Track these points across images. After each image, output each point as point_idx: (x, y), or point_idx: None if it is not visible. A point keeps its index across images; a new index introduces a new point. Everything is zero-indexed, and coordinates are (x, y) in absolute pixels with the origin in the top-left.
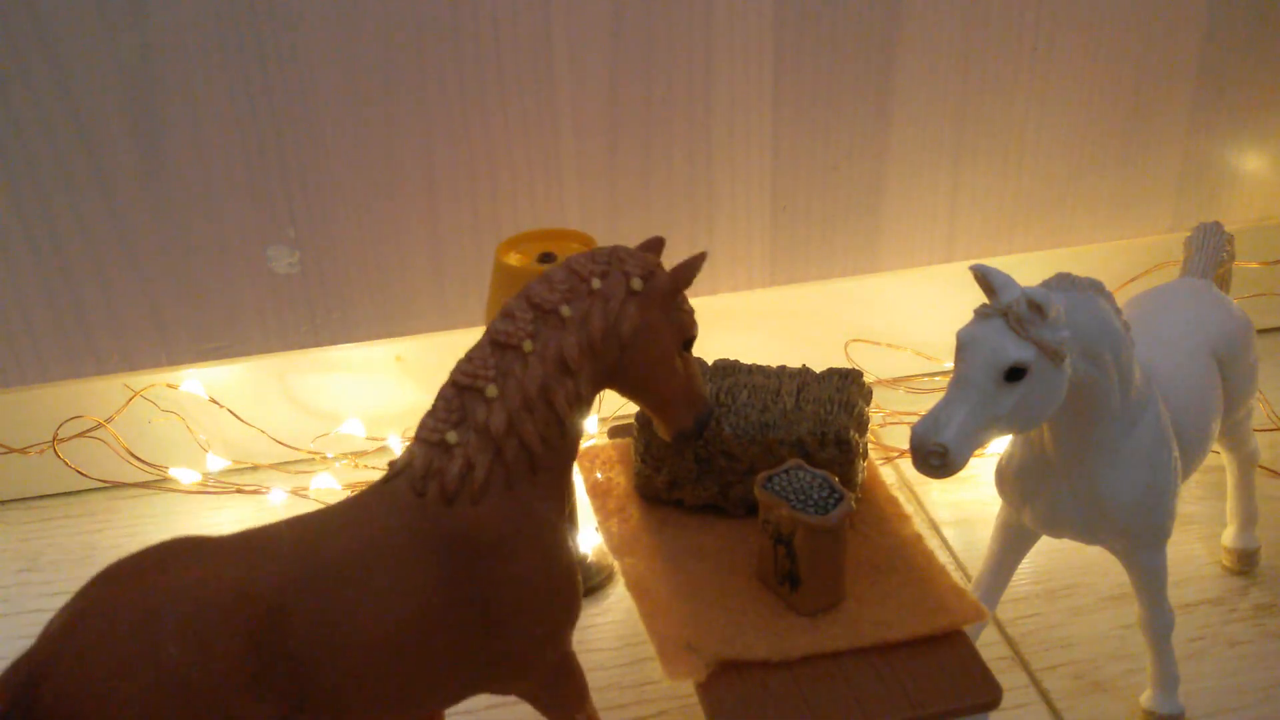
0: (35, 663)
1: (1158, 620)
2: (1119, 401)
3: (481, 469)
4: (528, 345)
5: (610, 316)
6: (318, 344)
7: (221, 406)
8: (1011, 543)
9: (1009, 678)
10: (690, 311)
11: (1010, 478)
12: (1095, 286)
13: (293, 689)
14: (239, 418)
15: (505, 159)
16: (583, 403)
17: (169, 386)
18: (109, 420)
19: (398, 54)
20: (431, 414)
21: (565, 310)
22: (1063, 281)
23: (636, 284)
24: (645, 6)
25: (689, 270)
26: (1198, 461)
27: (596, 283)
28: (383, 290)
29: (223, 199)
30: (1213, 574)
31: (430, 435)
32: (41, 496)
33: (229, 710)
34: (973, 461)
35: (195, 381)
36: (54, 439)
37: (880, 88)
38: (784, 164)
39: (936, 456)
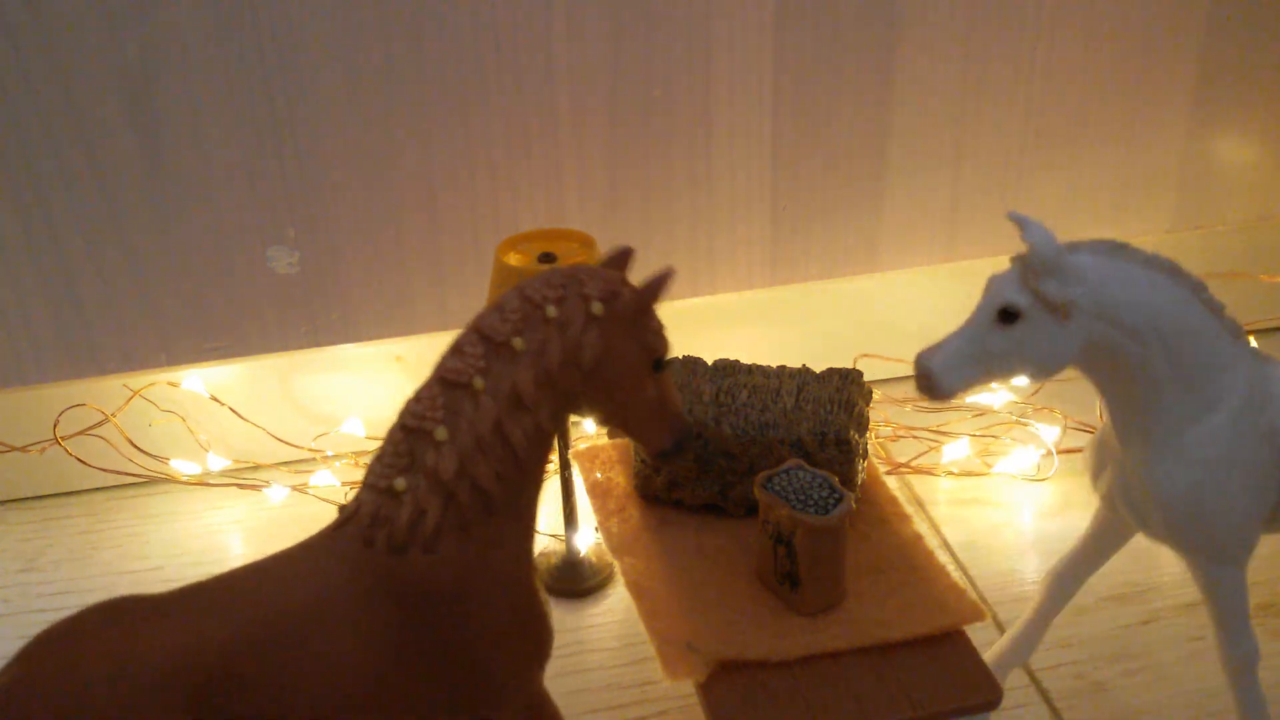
0: None
1: (1229, 651)
2: (1171, 386)
3: (433, 516)
4: (478, 382)
5: (569, 345)
6: (318, 344)
7: (222, 404)
8: (1098, 532)
9: (1009, 678)
10: (658, 330)
11: (1089, 450)
12: (1167, 267)
13: None
14: (240, 415)
15: (505, 159)
16: (544, 435)
17: (170, 385)
18: (114, 415)
19: (398, 54)
20: (379, 458)
21: (518, 342)
22: (1111, 248)
23: (597, 308)
24: (645, 6)
25: (655, 289)
26: None
27: (552, 310)
28: (383, 290)
29: (223, 199)
30: None
31: (377, 481)
32: (41, 496)
33: None
34: (980, 481)
35: (196, 379)
36: (54, 428)
37: (880, 87)
38: (784, 164)
39: (923, 378)
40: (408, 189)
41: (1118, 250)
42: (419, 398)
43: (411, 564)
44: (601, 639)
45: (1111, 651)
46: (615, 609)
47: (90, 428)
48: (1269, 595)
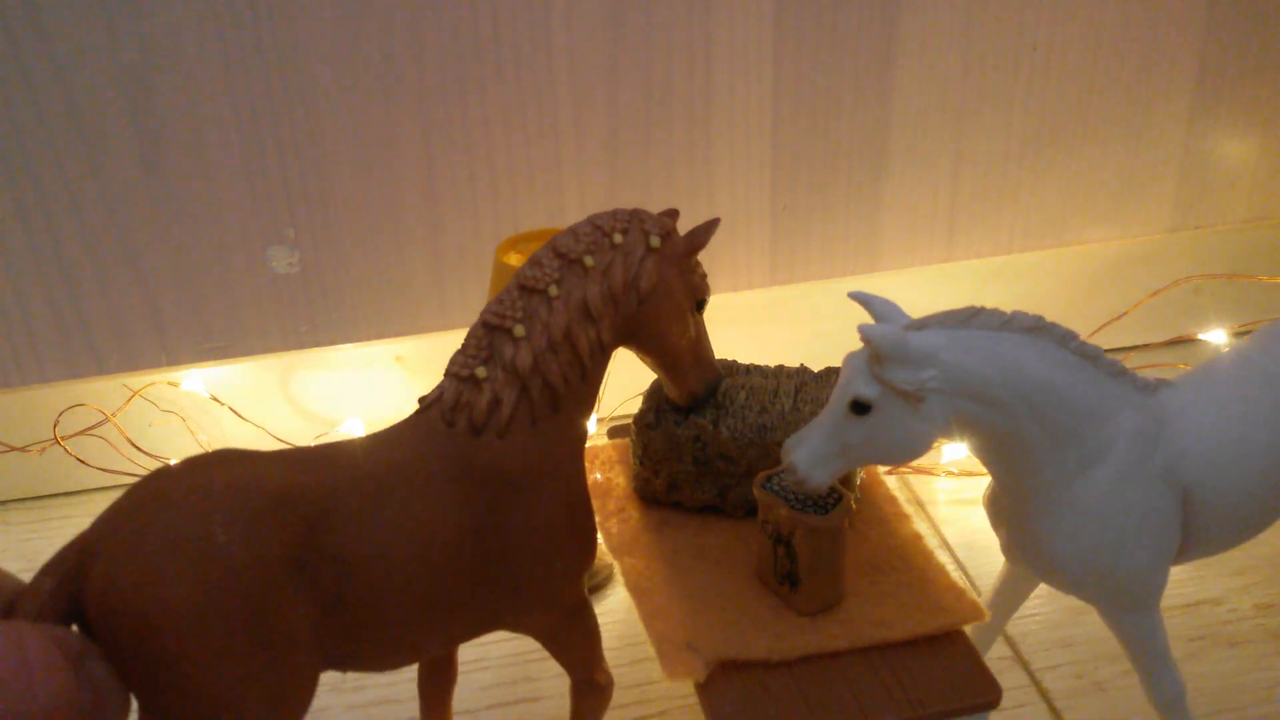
0: (88, 541)
1: (1155, 692)
2: (1046, 448)
3: (508, 404)
4: (553, 290)
5: (630, 270)
6: (318, 344)
7: (222, 404)
8: (1008, 580)
9: (1009, 678)
10: (704, 275)
11: (986, 500)
12: (1027, 325)
13: (329, 589)
14: (240, 415)
15: (505, 159)
16: (604, 352)
17: (170, 385)
18: (114, 415)
19: (398, 54)
20: (462, 351)
21: (589, 260)
22: (964, 317)
23: (655, 241)
24: (645, 6)
25: (703, 234)
26: (1241, 536)
27: (618, 237)
28: (383, 290)
29: (223, 199)
30: (1212, 573)
31: (460, 370)
32: (41, 496)
33: (272, 595)
34: (980, 480)
35: (196, 379)
36: (54, 428)
37: (880, 88)
38: (784, 164)
39: (790, 471)
40: (408, 189)
41: (971, 318)
42: (500, 300)
43: (486, 446)
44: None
45: (1111, 651)
46: (615, 609)
47: (90, 428)
48: (1268, 595)
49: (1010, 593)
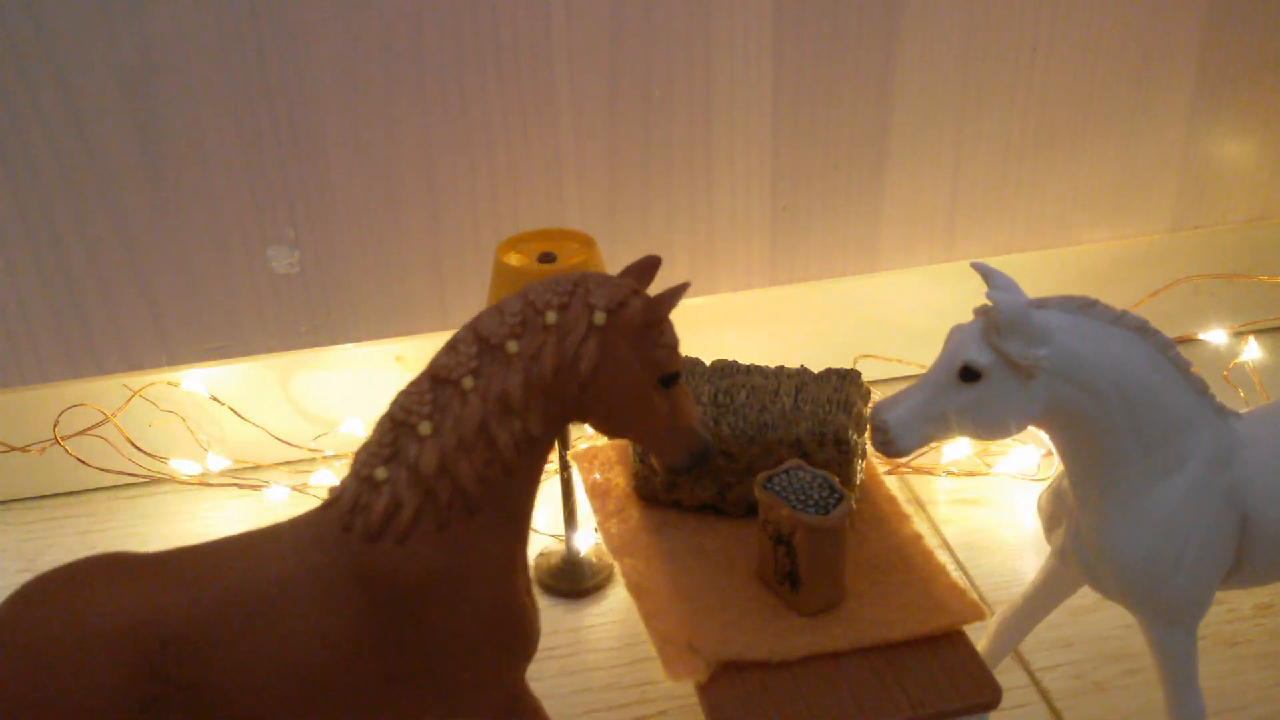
0: None
1: (1176, 713)
2: (1132, 448)
3: (409, 508)
4: (468, 382)
5: (565, 354)
6: (318, 344)
7: (222, 404)
8: (1047, 583)
9: (1009, 678)
10: (671, 345)
11: (1045, 498)
12: (1137, 325)
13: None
14: (240, 415)
15: (505, 159)
16: (535, 443)
17: (170, 385)
18: (114, 415)
19: (398, 54)
20: (365, 446)
21: (512, 345)
22: (1081, 305)
23: (599, 318)
24: (645, 6)
25: (665, 303)
26: None
27: (552, 316)
28: (383, 290)
29: (223, 199)
30: None
31: (361, 469)
32: (41, 496)
33: None
34: (980, 480)
35: (196, 379)
36: (54, 428)
37: (880, 87)
38: (784, 164)
39: (879, 432)
40: (408, 189)
41: (1087, 307)
42: (409, 391)
43: (383, 554)
44: (601, 639)
45: (1111, 651)
46: (615, 609)
47: (90, 428)
48: (1268, 595)
49: (1041, 604)
